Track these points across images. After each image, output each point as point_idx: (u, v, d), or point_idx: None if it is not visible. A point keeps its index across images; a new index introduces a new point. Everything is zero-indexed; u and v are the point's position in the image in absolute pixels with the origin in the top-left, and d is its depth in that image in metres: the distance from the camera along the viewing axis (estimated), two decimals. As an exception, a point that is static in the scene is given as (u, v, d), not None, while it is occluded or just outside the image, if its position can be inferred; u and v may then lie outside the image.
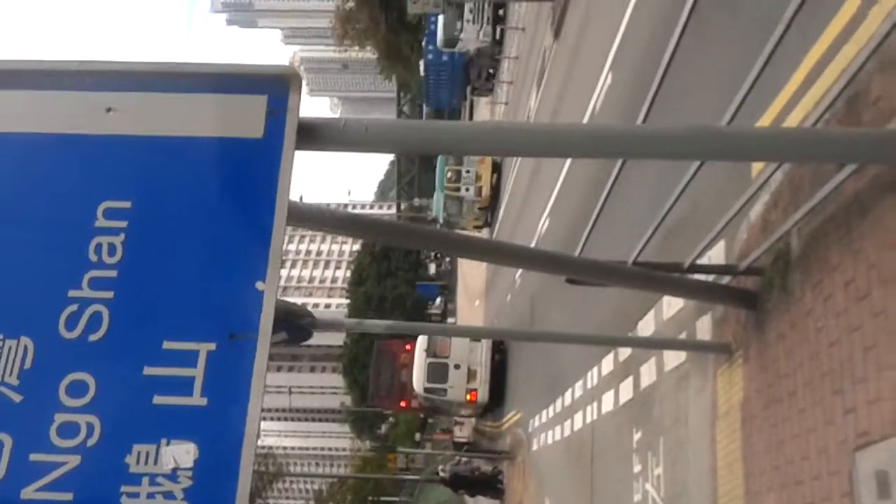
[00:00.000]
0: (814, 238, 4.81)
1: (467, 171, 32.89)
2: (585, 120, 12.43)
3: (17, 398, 2.38)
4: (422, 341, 25.13)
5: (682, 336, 7.09)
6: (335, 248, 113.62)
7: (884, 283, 4.03)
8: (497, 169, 33.18)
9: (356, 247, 72.77)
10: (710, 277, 5.99)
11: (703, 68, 7.08)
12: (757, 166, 5.53)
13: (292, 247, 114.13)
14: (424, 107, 43.99)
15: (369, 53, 52.97)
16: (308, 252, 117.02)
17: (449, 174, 33.10)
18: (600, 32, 12.59)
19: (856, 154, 3.36)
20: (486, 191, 32.58)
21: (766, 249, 5.21)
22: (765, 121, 5.56)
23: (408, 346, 27.37)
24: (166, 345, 2.42)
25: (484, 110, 37.86)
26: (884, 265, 4.04)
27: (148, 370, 2.40)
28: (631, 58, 10.61)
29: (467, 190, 32.27)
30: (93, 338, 2.45)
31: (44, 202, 2.65)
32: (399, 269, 57.28)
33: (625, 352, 9.41)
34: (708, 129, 3.18)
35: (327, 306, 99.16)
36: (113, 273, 2.53)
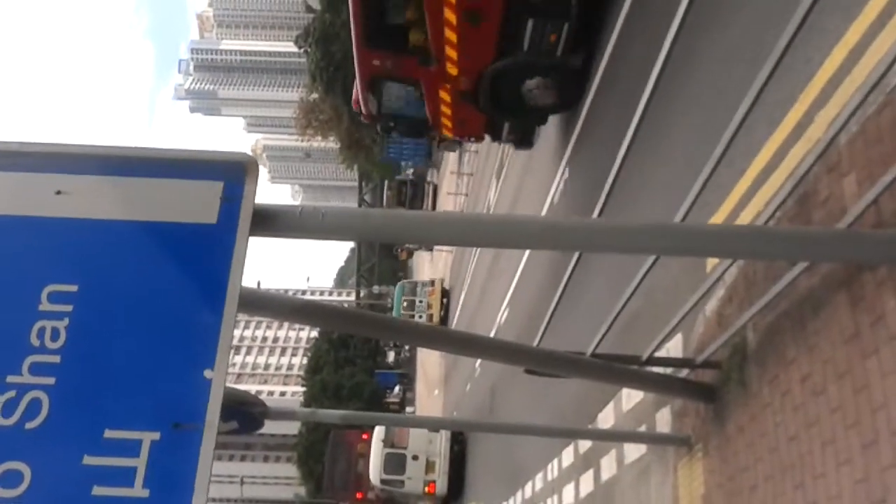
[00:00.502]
0: (769, 333, 4.85)
1: (420, 301, 37.31)
2: (544, 212, 12.57)
3: (-56, 489, 2.26)
4: (379, 431, 24.64)
5: (642, 428, 7.04)
6: (292, 334, 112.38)
7: (839, 378, 4.06)
8: (446, 294, 36.80)
9: (314, 334, 71.96)
10: (669, 370, 5.99)
11: (662, 162, 7.26)
12: (712, 261, 5.61)
13: (248, 332, 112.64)
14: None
15: (332, 143, 53.54)
16: (264, 338, 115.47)
17: (405, 303, 37.40)
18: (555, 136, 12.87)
19: (806, 252, 3.42)
20: (436, 317, 36.18)
21: (723, 343, 5.24)
22: (718, 218, 5.67)
23: (364, 436, 26.83)
24: (108, 433, 2.33)
25: (447, 202, 38.84)
26: (839, 360, 4.07)
27: (88, 460, 2.30)
28: (586, 157, 10.84)
29: (420, 317, 36.40)
30: (30, 425, 2.35)
31: None
32: (357, 356, 56.58)
33: (585, 444, 9.30)
34: (662, 225, 3.23)
35: (282, 394, 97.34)
36: (55, 358, 2.44)
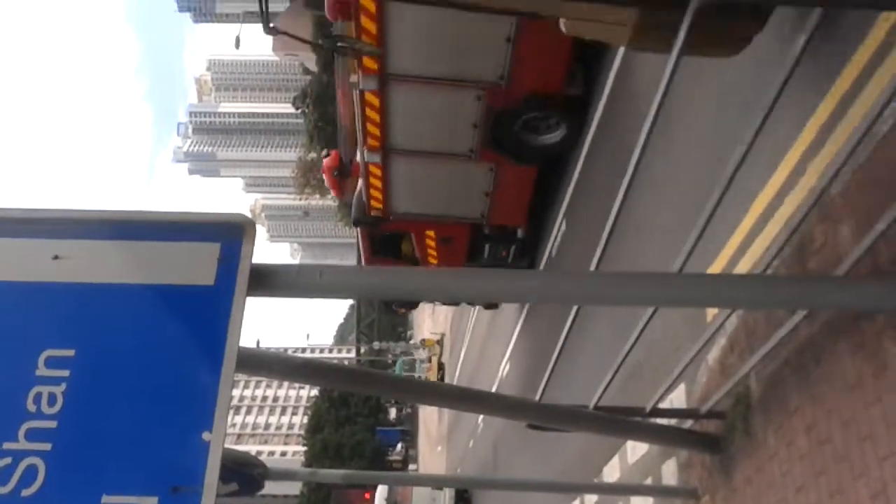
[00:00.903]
0: (772, 382, 4.83)
1: (418, 376, 38.77)
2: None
3: (-63, 561, 2.22)
4: (382, 490, 24.32)
5: (648, 481, 6.94)
6: (292, 393, 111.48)
7: (845, 427, 4.02)
8: (441, 367, 37.59)
9: (314, 392, 71.40)
10: (673, 421, 5.93)
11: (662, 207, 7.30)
12: (712, 311, 5.60)
13: (248, 392, 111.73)
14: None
15: (330, 201, 53.81)
16: (264, 398, 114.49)
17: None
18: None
19: (804, 301, 3.42)
20: None
21: (726, 393, 5.20)
22: (715, 268, 5.68)
23: (367, 495, 26.46)
24: (105, 499, 2.31)
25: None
26: (843, 409, 4.04)
27: None
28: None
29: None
30: (26, 493, 2.32)
31: None
32: (358, 414, 56.05)
33: (591, 499, 9.17)
34: (660, 275, 3.24)
35: (283, 454, 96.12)
36: (52, 424, 2.42)
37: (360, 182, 11.36)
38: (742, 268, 5.30)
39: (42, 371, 2.50)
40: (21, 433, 2.41)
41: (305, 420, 72.53)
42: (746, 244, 5.35)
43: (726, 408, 5.37)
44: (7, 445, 2.39)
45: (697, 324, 5.59)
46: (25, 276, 2.66)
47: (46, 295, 2.63)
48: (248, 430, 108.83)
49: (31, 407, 2.45)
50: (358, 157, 10.79)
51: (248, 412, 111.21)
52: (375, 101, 9.38)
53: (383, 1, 8.15)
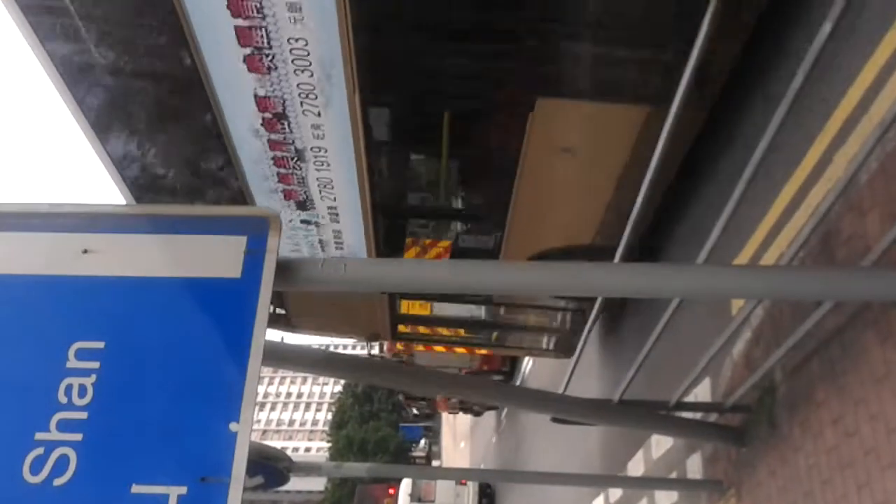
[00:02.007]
0: (798, 374, 4.79)
1: None
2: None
3: (-29, 548, 2.26)
4: (406, 485, 24.34)
5: (673, 475, 6.91)
6: (315, 389, 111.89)
7: (872, 419, 3.99)
8: None
9: (337, 388, 71.63)
10: (698, 415, 5.91)
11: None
12: (737, 303, 5.57)
13: (272, 389, 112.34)
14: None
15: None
16: (288, 394, 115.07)
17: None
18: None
19: (831, 291, 3.39)
20: None
21: (752, 386, 5.17)
22: (741, 259, 5.64)
23: (391, 490, 26.49)
24: (135, 488, 2.33)
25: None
26: (870, 401, 4.00)
27: None
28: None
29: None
30: (58, 482, 2.36)
31: (15, 343, 2.61)
32: (382, 410, 56.14)
33: (615, 492, 9.14)
34: (685, 267, 3.22)
35: (307, 450, 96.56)
36: (83, 415, 2.46)
37: None
38: (768, 259, 5.26)
39: (73, 363, 2.54)
40: (53, 424, 2.45)
41: (329, 416, 72.84)
42: (772, 235, 5.31)
43: (751, 401, 5.34)
44: (39, 436, 2.43)
45: (722, 317, 5.56)
46: (55, 269, 2.70)
47: (76, 288, 2.67)
48: (273, 427, 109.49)
49: (63, 398, 2.49)
50: None
51: (273, 408, 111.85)
52: None
53: None
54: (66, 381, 2.51)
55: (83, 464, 2.39)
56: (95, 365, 2.54)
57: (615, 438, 8.76)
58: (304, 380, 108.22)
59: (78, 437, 2.43)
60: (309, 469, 6.21)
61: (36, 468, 2.38)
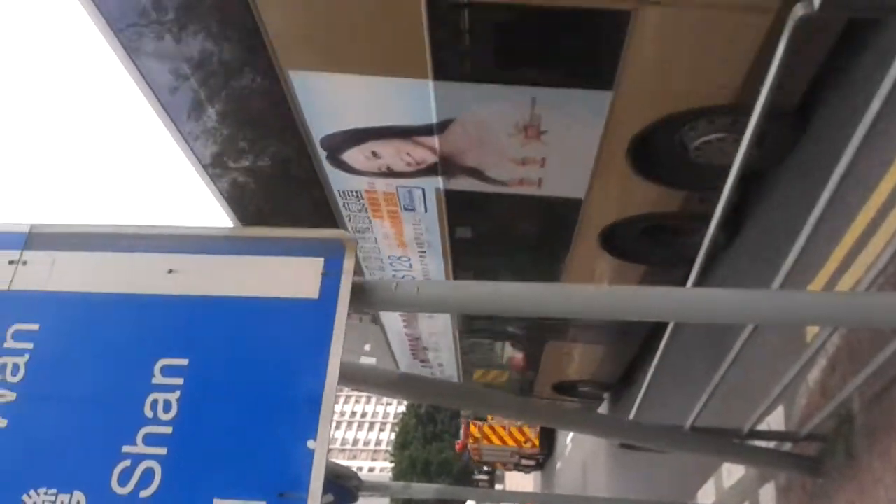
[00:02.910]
0: (877, 403, 4.65)
1: None
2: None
3: (65, 554, 2.37)
4: (469, 509, 24.21)
5: (744, 506, 6.76)
6: (380, 409, 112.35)
7: (956, 452, 3.85)
8: None
9: (401, 408, 71.77)
10: (771, 444, 5.77)
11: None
12: (812, 330, 5.45)
13: (337, 408, 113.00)
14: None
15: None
16: (353, 413, 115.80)
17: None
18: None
19: (913, 317, 3.30)
20: None
21: (828, 415, 5.04)
22: (815, 286, 5.52)
23: (454, 514, 26.33)
24: (216, 502, 2.42)
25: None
26: (954, 433, 3.87)
27: None
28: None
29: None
30: (144, 494, 2.46)
31: (104, 359, 2.73)
32: (445, 431, 56.03)
33: (684, 522, 8.97)
34: (760, 293, 3.18)
35: (371, 469, 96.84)
36: (167, 429, 2.56)
37: None
38: (844, 286, 5.14)
39: (158, 379, 2.65)
40: (139, 438, 2.56)
41: (392, 436, 73.00)
42: (848, 262, 5.19)
43: (828, 430, 5.20)
44: (126, 449, 2.54)
45: (796, 344, 5.44)
46: (143, 288, 2.83)
47: (162, 307, 2.79)
48: (338, 446, 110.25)
49: (149, 413, 2.60)
50: None
51: (338, 427, 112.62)
52: None
53: None
54: (152, 396, 2.62)
55: (168, 477, 2.49)
56: (179, 381, 2.64)
57: (685, 466, 8.59)
58: (369, 399, 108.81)
59: (163, 451, 2.53)
60: (377, 489, 6.27)
61: (124, 480, 2.49)
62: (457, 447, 24.06)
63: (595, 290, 3.05)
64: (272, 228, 2.97)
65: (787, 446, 5.65)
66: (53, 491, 2.47)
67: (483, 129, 5.69)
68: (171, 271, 2.85)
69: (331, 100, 5.43)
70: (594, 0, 4.52)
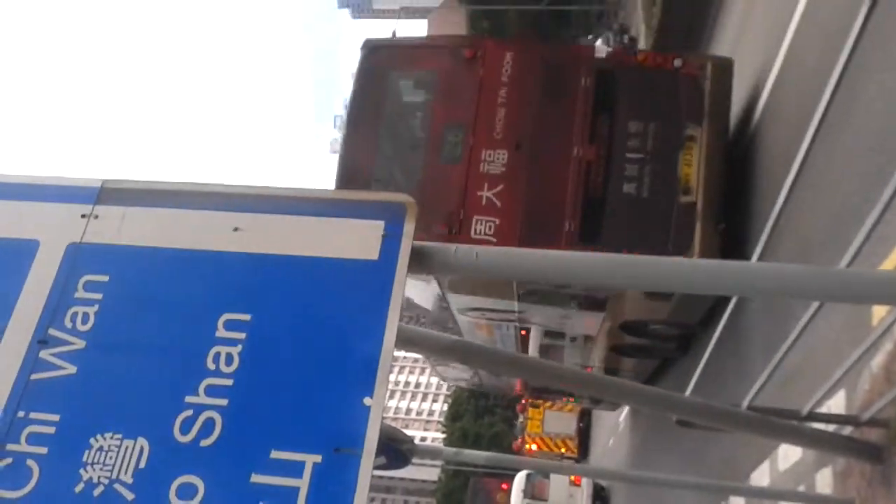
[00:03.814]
0: (944, 390, 4.52)
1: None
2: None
3: (129, 496, 2.45)
4: (519, 481, 24.38)
5: (801, 489, 6.65)
6: (434, 380, 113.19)
7: None
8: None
9: (455, 380, 72.15)
10: (831, 427, 5.66)
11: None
12: (878, 314, 5.31)
13: (391, 377, 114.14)
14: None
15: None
16: (406, 383, 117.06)
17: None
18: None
19: None
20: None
21: (891, 401, 4.91)
22: (886, 267, 5.37)
23: (504, 486, 26.61)
24: (274, 454, 2.47)
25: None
26: None
27: (255, 478, 2.44)
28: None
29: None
30: (205, 443, 2.52)
31: (170, 311, 2.80)
32: (497, 406, 56.26)
33: (737, 502, 8.87)
34: (828, 270, 3.11)
35: (423, 439, 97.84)
36: (229, 382, 2.62)
37: None
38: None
39: (221, 333, 2.71)
40: (202, 389, 2.62)
41: (445, 408, 73.60)
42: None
43: (890, 416, 5.08)
44: (189, 399, 2.61)
45: (861, 328, 5.31)
46: (209, 244, 2.89)
47: (227, 263, 2.85)
48: (391, 414, 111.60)
49: (211, 365, 2.66)
50: None
51: (391, 396, 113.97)
52: None
53: None
54: (215, 349, 2.68)
55: (227, 427, 2.55)
56: (242, 335, 2.70)
57: (739, 446, 8.49)
58: (423, 370, 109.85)
59: (224, 402, 2.59)
60: (430, 453, 6.34)
61: (185, 428, 2.56)
62: (514, 446, 29.97)
63: (660, 262, 3.01)
64: (334, 191, 3.00)
65: (847, 430, 5.54)
66: (119, 435, 2.55)
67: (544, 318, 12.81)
68: (236, 229, 2.90)
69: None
70: None
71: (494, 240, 8.75)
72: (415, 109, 9.85)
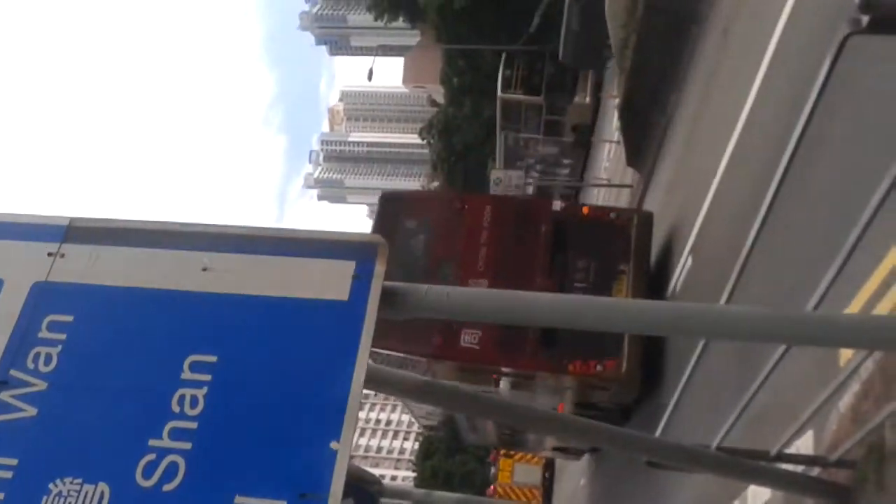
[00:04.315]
0: (910, 432, 4.56)
1: None
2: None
3: (88, 544, 2.39)
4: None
5: (770, 531, 6.65)
6: (405, 417, 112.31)
7: None
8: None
9: (427, 418, 71.60)
10: (800, 468, 5.68)
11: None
12: (846, 355, 5.36)
13: (362, 414, 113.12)
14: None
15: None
16: (377, 420, 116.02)
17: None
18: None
19: (952, 344, 3.25)
20: None
21: (858, 441, 4.94)
22: (852, 310, 5.43)
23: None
24: (238, 500, 2.43)
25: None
26: None
27: None
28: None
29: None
30: (167, 488, 2.47)
31: (135, 352, 2.76)
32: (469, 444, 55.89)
33: (706, 546, 8.84)
34: (794, 313, 3.14)
35: (393, 478, 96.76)
36: (193, 425, 2.57)
37: None
38: (882, 310, 5.05)
39: (187, 374, 2.67)
40: (165, 432, 2.57)
41: (416, 446, 72.93)
42: (887, 285, 5.10)
43: (858, 457, 5.11)
44: (153, 442, 2.56)
45: (829, 369, 5.35)
46: (176, 284, 2.86)
47: (194, 303, 2.82)
48: (360, 453, 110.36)
49: (176, 408, 2.62)
50: None
51: (362, 434, 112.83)
52: None
53: None
54: (180, 391, 2.64)
55: (191, 472, 2.50)
56: (208, 377, 2.66)
57: (710, 487, 8.48)
58: (394, 407, 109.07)
59: (188, 445, 2.55)
60: (399, 494, 6.25)
61: (148, 473, 2.51)
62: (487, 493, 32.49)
63: (625, 304, 3.03)
64: (305, 230, 2.99)
65: (816, 471, 5.55)
66: (79, 480, 2.49)
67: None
68: (205, 269, 2.88)
69: None
70: None
71: (478, 347, 11.23)
72: (418, 245, 12.20)
